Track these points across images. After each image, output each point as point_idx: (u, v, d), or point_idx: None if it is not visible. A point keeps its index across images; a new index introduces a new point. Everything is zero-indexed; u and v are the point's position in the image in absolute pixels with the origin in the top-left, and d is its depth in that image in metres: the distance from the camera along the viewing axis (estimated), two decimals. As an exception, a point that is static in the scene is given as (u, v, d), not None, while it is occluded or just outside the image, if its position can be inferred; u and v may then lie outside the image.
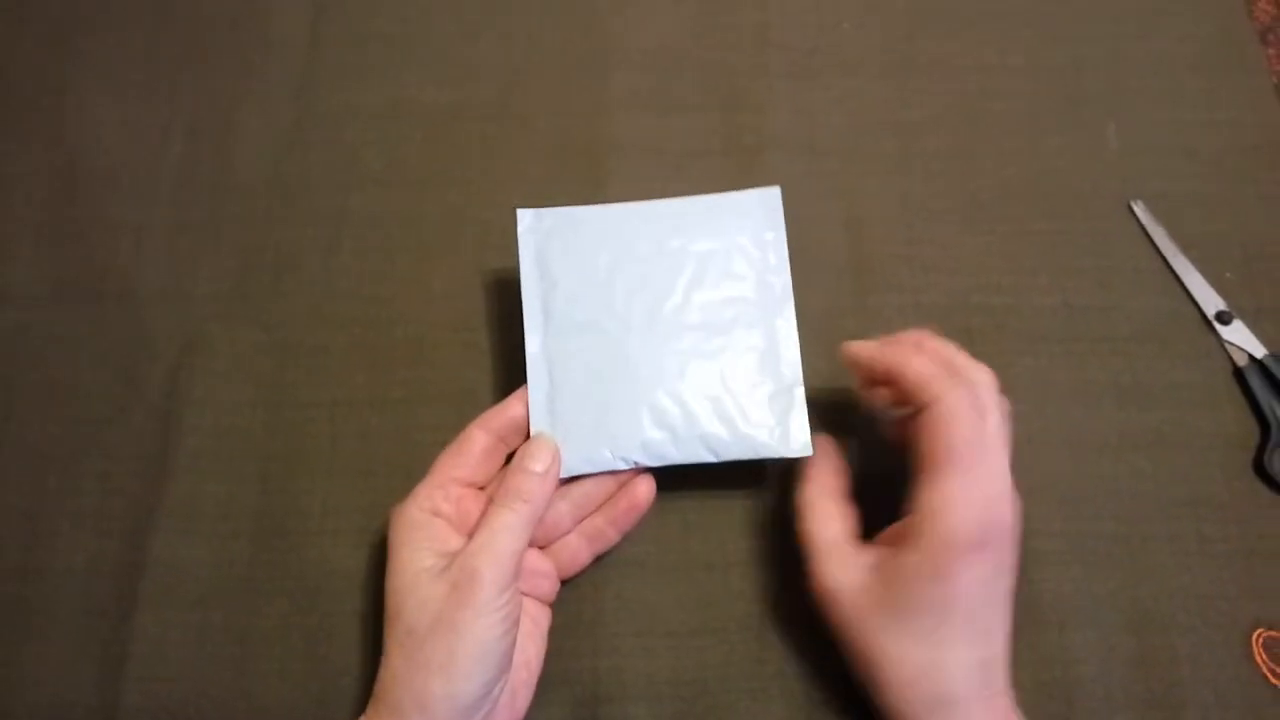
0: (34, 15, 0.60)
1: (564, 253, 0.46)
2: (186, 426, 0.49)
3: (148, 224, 0.54)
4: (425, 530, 0.40)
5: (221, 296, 0.52)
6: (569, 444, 0.43)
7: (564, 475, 0.43)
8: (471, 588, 0.37)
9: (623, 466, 0.43)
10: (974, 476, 0.37)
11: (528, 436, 0.43)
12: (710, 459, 0.43)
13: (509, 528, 0.39)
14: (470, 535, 0.41)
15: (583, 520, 0.44)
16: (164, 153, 0.56)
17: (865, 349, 0.42)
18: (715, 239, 0.46)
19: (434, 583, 0.38)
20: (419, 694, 0.37)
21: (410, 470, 0.47)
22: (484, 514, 0.40)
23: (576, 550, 0.44)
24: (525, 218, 0.47)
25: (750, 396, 0.44)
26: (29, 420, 0.50)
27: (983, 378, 0.39)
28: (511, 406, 0.44)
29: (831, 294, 0.52)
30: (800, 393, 0.44)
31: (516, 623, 0.39)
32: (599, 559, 0.45)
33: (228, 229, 0.54)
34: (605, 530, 0.44)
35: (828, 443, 0.44)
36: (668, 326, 0.44)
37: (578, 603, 0.45)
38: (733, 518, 0.47)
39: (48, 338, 0.52)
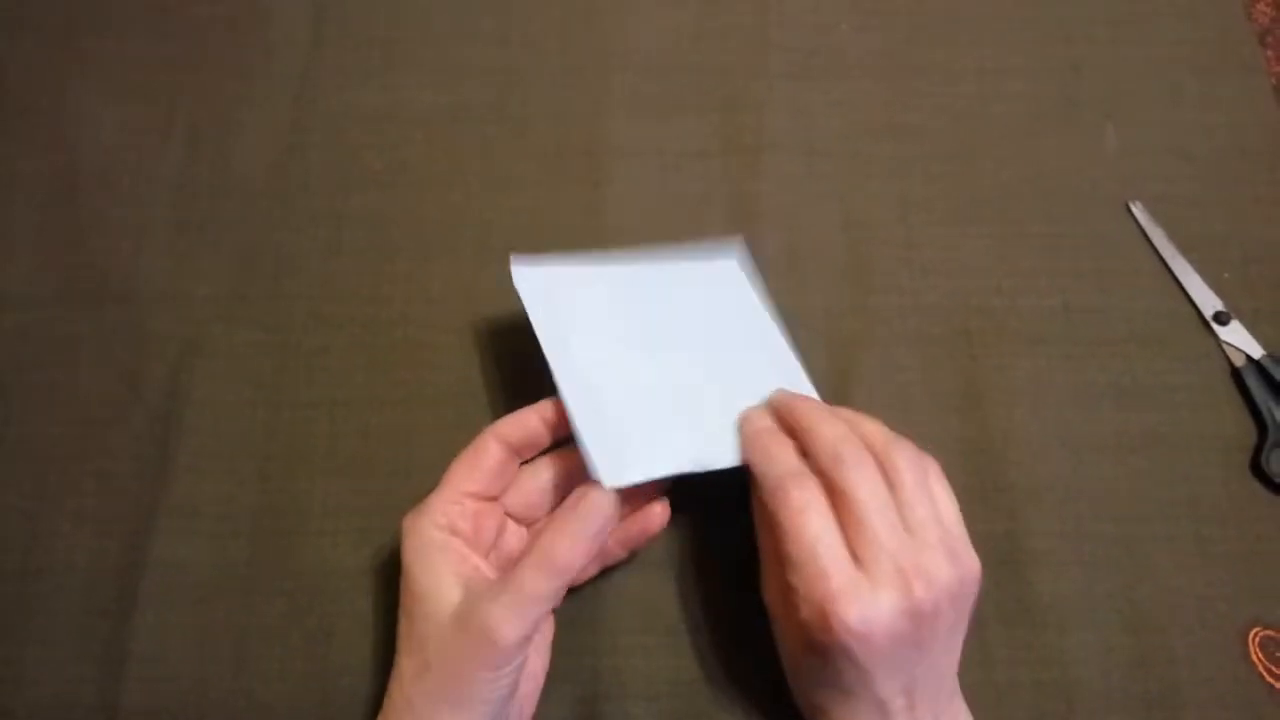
0: (35, 18, 0.60)
1: (567, 297, 0.45)
2: (187, 427, 0.49)
3: (148, 225, 0.54)
4: (444, 552, 0.39)
5: (221, 297, 0.53)
6: (616, 457, 0.40)
7: (612, 485, 0.40)
8: (492, 650, 0.36)
9: (678, 471, 0.42)
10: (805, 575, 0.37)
11: (545, 452, 0.43)
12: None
13: (540, 598, 0.37)
14: (486, 553, 0.41)
15: None
16: (164, 154, 0.56)
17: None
18: (694, 289, 0.48)
19: (454, 625, 0.37)
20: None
21: (409, 470, 0.48)
22: (516, 566, 0.38)
23: (586, 567, 0.44)
24: (522, 274, 0.45)
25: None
26: (30, 420, 0.50)
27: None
28: (527, 420, 0.42)
29: (831, 295, 0.52)
30: (810, 390, 0.45)
31: (526, 664, 0.39)
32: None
33: (228, 230, 0.54)
34: (615, 550, 0.44)
35: None
36: (681, 350, 0.45)
37: (578, 602, 0.45)
38: (732, 518, 0.47)
39: (48, 339, 0.52)
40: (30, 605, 0.46)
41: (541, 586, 0.37)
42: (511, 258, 0.44)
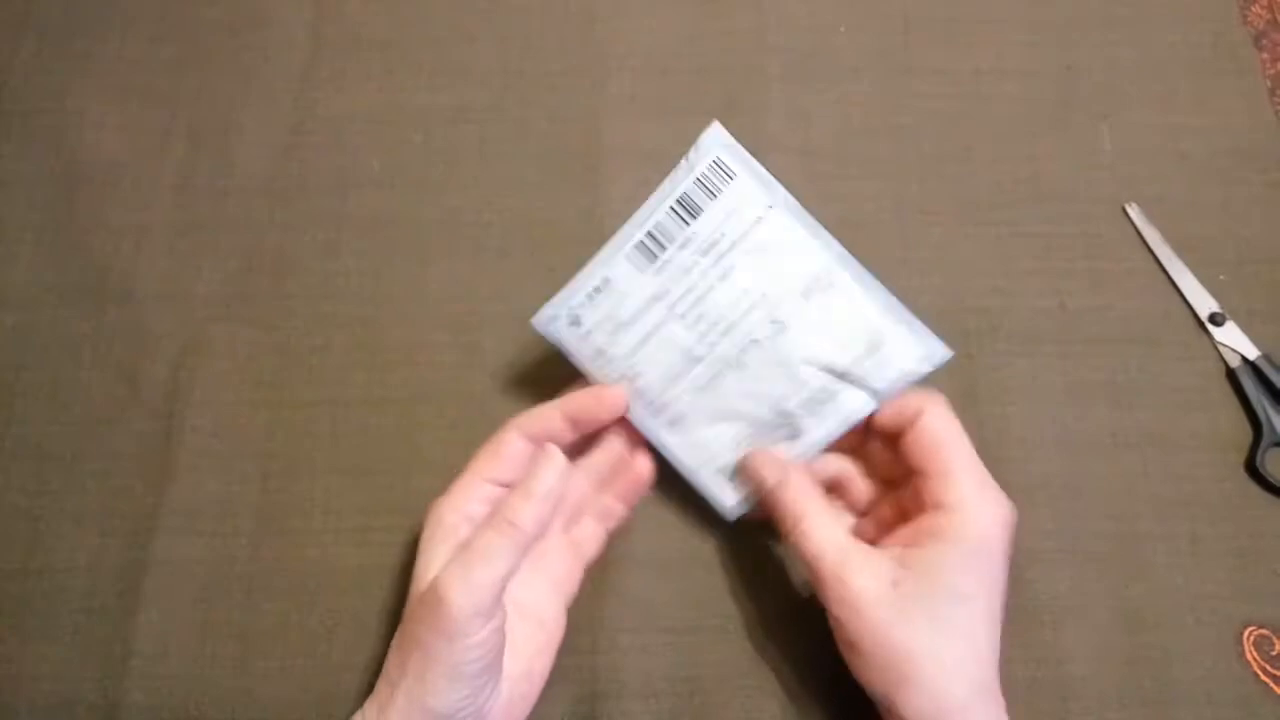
0: (36, 21, 0.60)
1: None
2: (188, 426, 0.50)
3: (149, 226, 0.55)
4: (453, 534, 0.40)
5: (222, 298, 0.53)
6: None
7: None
8: (438, 613, 0.36)
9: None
10: (983, 475, 0.40)
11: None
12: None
13: (490, 555, 0.37)
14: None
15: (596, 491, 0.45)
16: (164, 156, 0.57)
17: None
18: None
19: (419, 597, 0.38)
20: (418, 698, 0.37)
21: (409, 469, 0.48)
22: (476, 532, 0.39)
23: (594, 531, 0.45)
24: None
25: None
26: (32, 420, 0.50)
27: (937, 396, 0.42)
28: (547, 416, 0.43)
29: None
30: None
31: (499, 651, 0.38)
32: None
33: (228, 231, 0.55)
34: (614, 506, 0.45)
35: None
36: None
37: (576, 601, 0.45)
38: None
39: (50, 339, 0.52)
40: (32, 604, 0.46)
41: (492, 542, 0.37)
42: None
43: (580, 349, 0.44)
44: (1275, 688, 0.44)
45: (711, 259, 0.42)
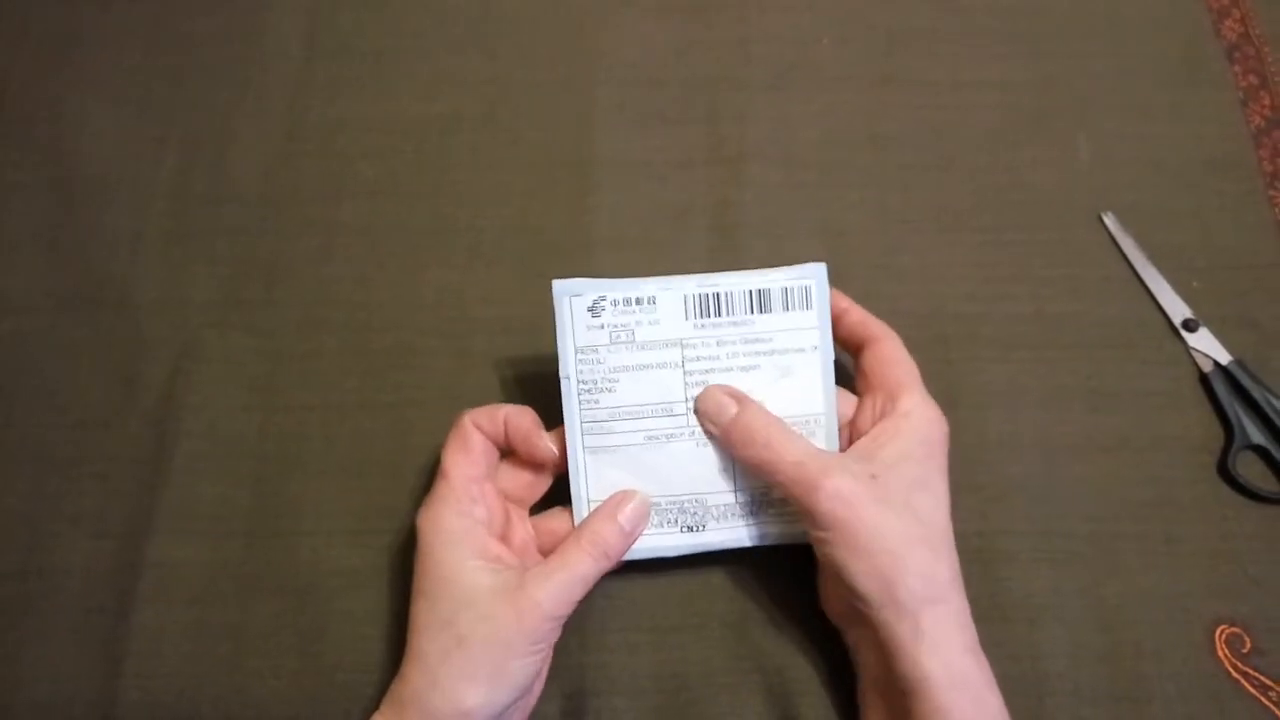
0: (33, 32, 0.61)
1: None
2: (182, 430, 0.50)
3: (144, 233, 0.55)
4: (468, 537, 0.41)
5: (216, 304, 0.53)
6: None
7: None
8: (535, 618, 0.39)
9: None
10: (925, 392, 0.44)
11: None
12: None
13: (584, 577, 0.41)
14: (501, 536, 0.43)
15: None
16: (160, 164, 0.57)
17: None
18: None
19: (494, 600, 0.39)
20: (458, 701, 0.38)
21: (401, 472, 0.49)
22: (564, 547, 0.41)
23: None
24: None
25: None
26: (28, 424, 0.51)
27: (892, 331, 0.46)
28: (497, 419, 0.43)
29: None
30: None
31: (542, 667, 0.42)
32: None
33: (222, 238, 0.55)
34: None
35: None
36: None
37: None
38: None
39: (46, 344, 0.52)
40: (29, 605, 0.47)
41: (589, 567, 0.41)
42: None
43: (578, 333, 0.43)
44: (1246, 684, 0.45)
45: (747, 349, 0.44)
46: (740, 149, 0.57)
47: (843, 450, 0.44)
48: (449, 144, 0.58)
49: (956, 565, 0.41)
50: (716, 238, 0.55)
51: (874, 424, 0.43)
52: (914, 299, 0.53)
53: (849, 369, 0.47)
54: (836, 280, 0.45)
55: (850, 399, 0.46)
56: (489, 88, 0.59)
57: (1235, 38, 0.60)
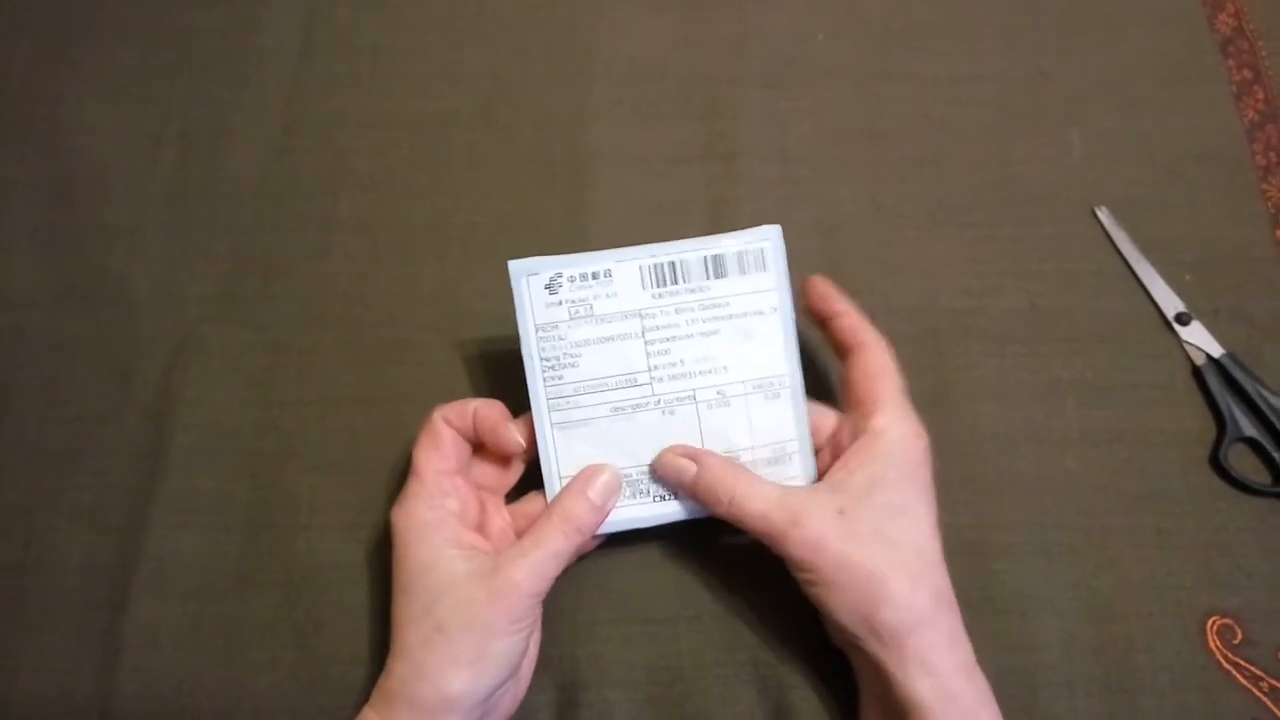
0: (31, 27, 0.61)
1: None
2: (179, 424, 0.50)
3: (141, 228, 0.55)
4: (441, 528, 0.41)
5: (213, 298, 0.54)
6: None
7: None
8: (512, 597, 0.39)
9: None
10: (907, 408, 0.43)
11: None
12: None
13: (557, 553, 0.41)
14: (479, 528, 0.43)
15: None
16: (157, 159, 0.57)
17: (824, 284, 0.46)
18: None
19: (470, 584, 0.40)
20: (443, 687, 0.38)
21: (396, 466, 0.49)
22: (537, 525, 0.42)
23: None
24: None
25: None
26: (26, 419, 0.51)
27: (882, 338, 0.45)
28: (466, 414, 0.44)
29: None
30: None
31: (536, 627, 0.43)
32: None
33: (219, 233, 0.55)
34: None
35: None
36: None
37: (558, 592, 0.45)
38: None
39: (44, 339, 0.53)
40: (26, 599, 0.47)
41: (561, 544, 0.41)
42: None
43: (536, 311, 0.44)
44: (1237, 675, 0.45)
45: (706, 315, 0.44)
46: (736, 144, 0.57)
47: (822, 471, 0.44)
48: (446, 139, 0.58)
49: (944, 584, 0.40)
50: (712, 232, 0.55)
51: (852, 440, 0.43)
52: (907, 293, 0.53)
53: (814, 337, 0.47)
54: (827, 275, 0.45)
55: (830, 415, 0.46)
56: (486, 83, 0.60)
57: (1229, 32, 0.61)
